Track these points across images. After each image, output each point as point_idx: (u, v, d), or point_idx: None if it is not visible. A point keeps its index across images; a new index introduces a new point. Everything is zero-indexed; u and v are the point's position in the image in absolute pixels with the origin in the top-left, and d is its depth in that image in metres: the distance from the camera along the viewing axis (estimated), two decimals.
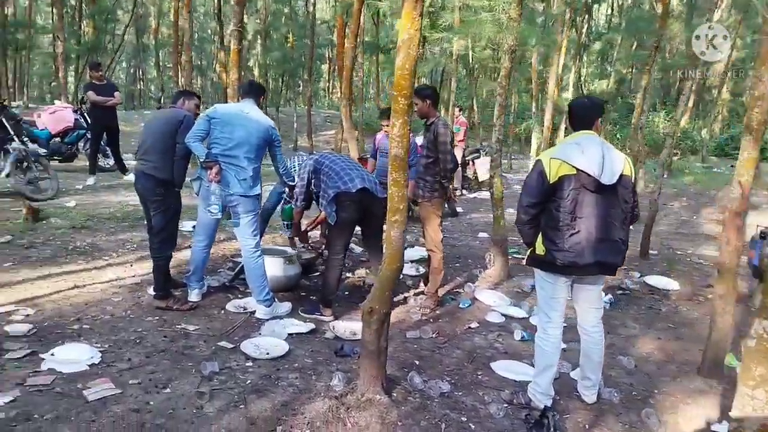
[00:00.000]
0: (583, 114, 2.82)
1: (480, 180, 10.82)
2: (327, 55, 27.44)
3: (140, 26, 27.59)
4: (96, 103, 7.65)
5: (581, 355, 3.07)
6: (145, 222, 4.30)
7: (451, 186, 4.48)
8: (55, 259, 4.83)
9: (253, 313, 4.07)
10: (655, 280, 5.46)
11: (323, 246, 5.60)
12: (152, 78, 35.01)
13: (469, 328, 4.12)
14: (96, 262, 4.88)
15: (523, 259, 3.12)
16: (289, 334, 3.74)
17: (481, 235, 7.25)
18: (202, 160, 3.81)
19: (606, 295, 4.82)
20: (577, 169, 2.66)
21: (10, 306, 3.79)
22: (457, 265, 5.78)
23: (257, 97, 4.14)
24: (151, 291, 4.20)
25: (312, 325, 3.91)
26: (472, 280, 5.20)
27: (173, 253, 4.23)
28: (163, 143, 3.93)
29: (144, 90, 35.61)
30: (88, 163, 8.18)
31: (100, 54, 19.81)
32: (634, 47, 18.13)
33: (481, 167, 10.65)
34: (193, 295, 4.23)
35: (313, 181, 4.25)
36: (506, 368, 3.44)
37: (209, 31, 34.00)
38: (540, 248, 2.81)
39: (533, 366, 3.48)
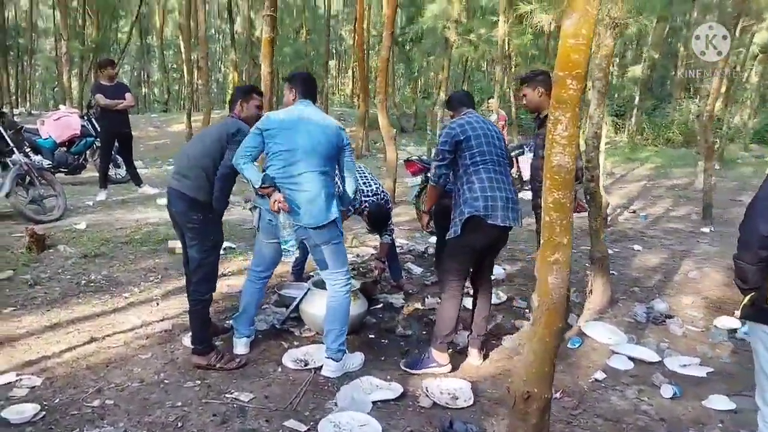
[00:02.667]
0: None
1: (524, 179, 9.99)
2: (334, 50, 26.44)
3: (144, 26, 26.72)
4: (106, 107, 6.76)
5: None
6: (181, 252, 3.42)
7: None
8: (65, 299, 3.97)
9: (319, 369, 3.18)
10: None
11: (379, 271, 4.69)
12: (156, 80, 34.19)
13: (596, 380, 3.21)
14: (115, 302, 4.02)
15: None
16: (373, 403, 2.86)
17: None
18: (257, 186, 2.93)
19: (743, 325, 3.92)
20: None
21: (11, 375, 2.93)
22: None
23: (314, 95, 3.23)
24: (186, 341, 3.34)
25: (399, 387, 3.00)
26: (571, 308, 4.29)
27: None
28: (207, 159, 3.08)
29: (149, 93, 34.77)
30: (97, 176, 7.30)
31: (104, 55, 18.95)
32: (666, 30, 17.06)
33: (525, 165, 9.84)
34: (241, 346, 3.35)
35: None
36: None
37: (213, 30, 33.11)
38: None
39: None
